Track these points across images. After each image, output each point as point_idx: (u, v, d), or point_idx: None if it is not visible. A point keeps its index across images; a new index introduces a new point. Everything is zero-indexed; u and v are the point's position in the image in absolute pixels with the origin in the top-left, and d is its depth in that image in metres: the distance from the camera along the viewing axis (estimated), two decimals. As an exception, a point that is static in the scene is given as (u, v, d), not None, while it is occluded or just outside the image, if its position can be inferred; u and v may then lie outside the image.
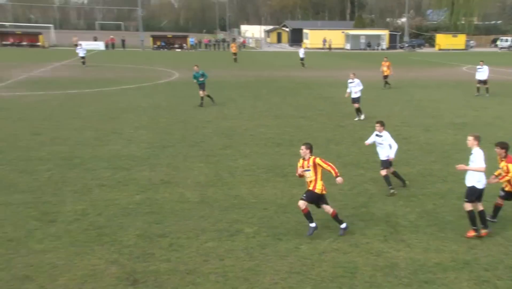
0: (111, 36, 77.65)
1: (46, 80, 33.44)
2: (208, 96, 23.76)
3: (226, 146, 16.30)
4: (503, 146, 9.49)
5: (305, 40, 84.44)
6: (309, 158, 9.37)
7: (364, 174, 13.38)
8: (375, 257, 8.61)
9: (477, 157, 9.18)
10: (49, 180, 12.45)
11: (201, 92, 23.51)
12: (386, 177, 11.81)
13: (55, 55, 56.43)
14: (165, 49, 73.88)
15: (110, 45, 74.13)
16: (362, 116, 20.63)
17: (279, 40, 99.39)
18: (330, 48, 78.35)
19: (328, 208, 9.50)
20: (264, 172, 13.60)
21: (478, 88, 28.10)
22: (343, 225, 9.54)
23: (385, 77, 31.10)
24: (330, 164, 9.37)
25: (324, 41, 79.52)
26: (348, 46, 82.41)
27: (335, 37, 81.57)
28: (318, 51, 75.77)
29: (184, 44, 75.33)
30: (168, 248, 8.91)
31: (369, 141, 12.31)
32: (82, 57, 43.66)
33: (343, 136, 17.95)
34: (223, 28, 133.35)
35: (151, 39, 76.57)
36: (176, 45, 75.34)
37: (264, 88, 31.12)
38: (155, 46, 75.08)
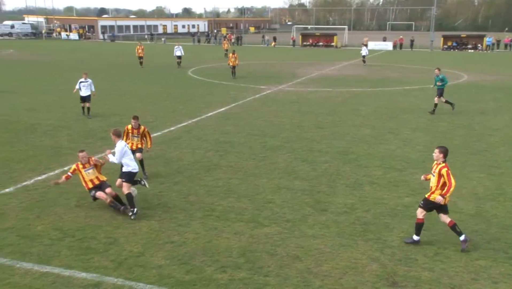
0: (400, 37, 77.57)
1: (334, 77, 35.66)
2: (447, 102, 21.62)
3: (515, 158, 14.55)
4: None
5: None
6: (439, 163, 8.80)
7: None
8: None
9: None
10: (325, 172, 13.30)
11: (436, 98, 21.62)
12: None
13: (345, 55, 59.58)
14: (456, 50, 69.89)
15: (398, 46, 74.18)
16: None
17: None
18: None
19: (445, 218, 8.96)
20: (561, 193, 11.66)
21: None
22: (462, 237, 8.83)
23: None
24: (452, 181, 8.56)
25: None
26: None
27: None
28: None
29: (479, 45, 69.77)
30: (433, 257, 8.53)
31: None
32: (363, 56, 46.18)
33: None
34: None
35: (441, 39, 73.49)
36: (469, 46, 70.39)
37: None
38: (445, 46, 71.72)
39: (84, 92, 20.15)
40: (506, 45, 70.91)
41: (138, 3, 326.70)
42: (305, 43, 79.59)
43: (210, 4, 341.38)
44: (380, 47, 74.34)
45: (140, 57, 41.37)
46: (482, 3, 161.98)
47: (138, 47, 41.69)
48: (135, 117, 12.53)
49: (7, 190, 11.54)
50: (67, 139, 16.54)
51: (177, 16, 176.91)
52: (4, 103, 23.15)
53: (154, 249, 8.73)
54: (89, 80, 20.26)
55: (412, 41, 73.37)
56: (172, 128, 18.38)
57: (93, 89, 20.48)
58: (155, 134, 17.27)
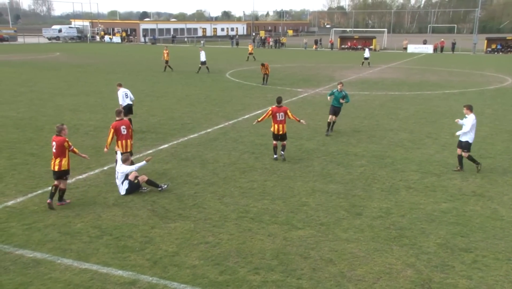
0: (442, 39, 75.89)
1: (372, 81, 35.23)
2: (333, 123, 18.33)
3: (560, 165, 14.03)
4: None
5: None
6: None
7: None
8: None
9: None
10: (360, 175, 13.18)
11: (331, 117, 18.10)
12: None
13: (384, 58, 58.75)
14: (500, 53, 67.81)
15: (438, 48, 72.58)
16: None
17: None
18: None
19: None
20: None
21: None
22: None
23: None
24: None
25: None
26: None
27: None
28: None
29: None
30: (471, 265, 8.33)
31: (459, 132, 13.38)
32: (366, 58, 46.60)
33: None
34: None
35: (485, 41, 71.50)
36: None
37: None
38: (489, 49, 69.69)
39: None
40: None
41: (179, 6, 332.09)
42: (343, 46, 78.98)
43: (249, 7, 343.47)
44: (420, 50, 73.03)
45: (166, 61, 39.91)
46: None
47: (164, 51, 40.47)
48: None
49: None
50: (107, 140, 16.95)
51: (216, 19, 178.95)
52: (49, 104, 23.98)
53: (188, 249, 8.86)
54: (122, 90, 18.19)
55: (453, 44, 71.63)
56: (209, 130, 18.60)
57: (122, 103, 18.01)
58: (192, 136, 17.54)
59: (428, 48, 73.08)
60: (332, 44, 79.55)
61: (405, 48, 74.09)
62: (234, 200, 11.32)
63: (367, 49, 49.17)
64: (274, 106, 14.49)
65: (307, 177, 13.07)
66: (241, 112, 22.19)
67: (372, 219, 10.27)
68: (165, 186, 11.98)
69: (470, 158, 13.41)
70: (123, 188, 11.59)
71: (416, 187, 12.23)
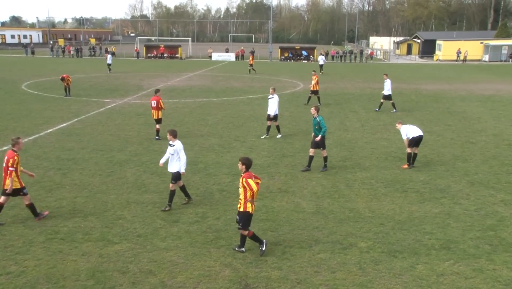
0: (242, 48, 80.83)
1: (180, 88, 35.79)
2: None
3: (346, 158, 16.08)
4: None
5: (437, 52, 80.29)
6: (242, 175, 8.94)
7: (495, 195, 12.39)
8: (504, 287, 7.89)
9: None
10: (175, 183, 13.27)
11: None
12: (173, 192, 11.34)
13: (190, 66, 60.18)
14: (292, 61, 75.01)
15: (239, 56, 77.18)
16: (279, 136, 19.23)
17: (408, 52, 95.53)
18: (464, 60, 73.50)
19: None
20: (383, 186, 13.19)
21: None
22: (263, 247, 9.10)
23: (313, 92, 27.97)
24: (253, 188, 8.71)
25: (458, 52, 74.75)
26: (486, 58, 76.50)
27: (472, 48, 76.09)
28: (451, 63, 71.66)
29: (311, 56, 75.76)
30: (281, 256, 9.01)
31: (163, 160, 11.79)
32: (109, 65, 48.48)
33: (473, 154, 16.74)
34: (351, 40, 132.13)
35: (279, 50, 78.32)
36: (303, 57, 76.07)
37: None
38: (283, 57, 76.54)
39: None
40: (333, 57, 78.20)
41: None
42: (149, 54, 78.63)
43: (44, 13, 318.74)
44: (224, 58, 76.61)
45: None
46: (311, 19, 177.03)
47: None
48: None
49: None
50: None
51: (4, 25, 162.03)
52: None
53: (-12, 283, 7.87)
54: None
55: (252, 52, 76.80)
56: (4, 148, 16.75)
57: None
58: (-15, 156, 15.60)
59: (231, 56, 77.10)
60: (138, 52, 78.48)
61: (210, 56, 77.00)
62: (40, 222, 10.41)
63: (109, 56, 51.36)
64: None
65: (121, 189, 12.69)
66: (43, 126, 20.51)
67: (189, 224, 10.43)
68: None
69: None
70: None
71: (229, 189, 12.79)
